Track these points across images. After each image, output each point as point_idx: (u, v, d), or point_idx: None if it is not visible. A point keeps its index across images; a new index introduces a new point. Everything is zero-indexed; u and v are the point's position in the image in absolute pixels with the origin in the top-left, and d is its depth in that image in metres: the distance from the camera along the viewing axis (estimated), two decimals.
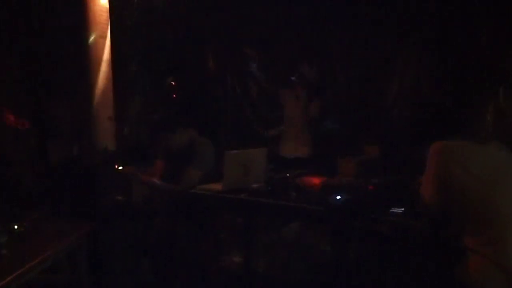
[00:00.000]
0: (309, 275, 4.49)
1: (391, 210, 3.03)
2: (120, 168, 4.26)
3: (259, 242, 4.83)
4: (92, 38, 4.72)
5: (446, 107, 3.48)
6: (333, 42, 6.28)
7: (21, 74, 6.03)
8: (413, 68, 5.72)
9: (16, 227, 3.13)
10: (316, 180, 3.90)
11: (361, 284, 3.51)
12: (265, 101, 6.81)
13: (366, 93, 6.00)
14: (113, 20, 4.88)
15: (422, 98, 5.51)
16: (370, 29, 5.83)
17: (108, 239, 3.95)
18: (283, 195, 3.65)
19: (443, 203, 2.53)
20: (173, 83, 6.10)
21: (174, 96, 5.96)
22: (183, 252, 4.33)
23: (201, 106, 6.55)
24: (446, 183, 2.49)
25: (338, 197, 3.20)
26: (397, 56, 5.86)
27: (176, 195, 4.30)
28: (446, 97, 4.95)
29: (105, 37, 4.77)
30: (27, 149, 5.83)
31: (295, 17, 6.25)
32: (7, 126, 4.96)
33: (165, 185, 4.39)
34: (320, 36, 6.33)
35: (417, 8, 5.47)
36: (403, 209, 2.99)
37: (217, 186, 3.97)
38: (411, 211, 2.94)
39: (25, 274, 2.65)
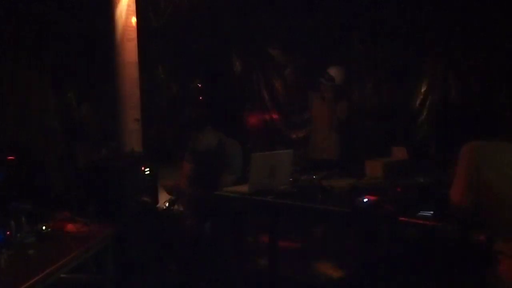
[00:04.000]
0: (335, 277, 4.45)
1: (419, 213, 2.96)
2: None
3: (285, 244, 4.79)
4: (119, 41, 4.75)
5: (477, 108, 3.42)
6: (361, 44, 6.24)
7: (51, 77, 6.12)
8: (442, 69, 5.64)
9: (43, 227, 3.16)
10: (343, 182, 3.86)
11: (387, 287, 3.46)
12: (292, 103, 6.79)
13: (394, 95, 5.94)
14: (140, 23, 4.91)
15: (451, 99, 5.43)
16: (399, 31, 5.79)
17: (134, 240, 3.96)
18: (310, 197, 3.61)
19: (474, 206, 2.46)
20: (200, 85, 6.12)
21: (200, 98, 5.99)
22: (209, 254, 4.32)
23: (228, 107, 6.56)
24: (478, 185, 2.41)
25: (366, 200, 3.15)
26: (426, 57, 5.79)
27: (202, 197, 4.31)
28: (477, 98, 4.88)
29: (133, 40, 4.80)
30: (56, 151, 5.91)
31: (323, 20, 6.24)
32: None
33: (198, 192, 4.42)
34: (348, 38, 6.30)
35: (448, 9, 5.40)
36: (432, 212, 2.91)
37: (243, 188, 3.96)
38: (440, 213, 2.86)
39: (52, 274, 2.67)
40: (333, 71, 5.91)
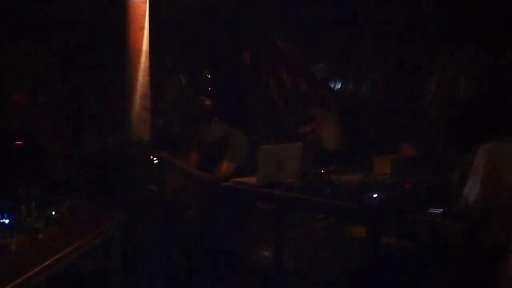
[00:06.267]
0: (340, 272, 4.46)
1: (429, 211, 2.96)
2: (156, 153, 4.29)
3: (291, 238, 4.81)
4: (130, 29, 4.74)
5: (488, 107, 3.41)
6: (370, 39, 6.24)
7: (58, 64, 6.12)
8: (453, 65, 5.63)
9: (53, 213, 3.18)
10: (350, 177, 3.87)
11: (393, 284, 3.47)
12: (299, 96, 6.78)
13: (403, 91, 5.94)
14: (151, 11, 4.89)
15: (462, 97, 5.42)
16: (409, 27, 5.78)
17: (142, 228, 3.98)
18: (317, 191, 3.61)
19: (488, 207, 2.45)
20: (209, 76, 6.11)
21: (209, 88, 5.98)
22: (214, 245, 4.34)
23: (235, 99, 6.56)
24: (494, 187, 2.41)
25: (375, 195, 3.15)
26: (437, 53, 5.78)
27: (209, 187, 4.30)
28: (489, 96, 4.87)
29: (144, 28, 4.78)
30: (63, 138, 5.92)
31: (332, 12, 6.23)
32: None
33: (198, 173, 4.41)
34: (356, 32, 6.30)
35: (460, 5, 5.38)
36: (441, 209, 2.90)
37: (250, 180, 3.97)
38: (449, 212, 2.85)
39: (62, 259, 2.68)
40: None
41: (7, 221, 2.93)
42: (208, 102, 4.59)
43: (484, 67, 5.22)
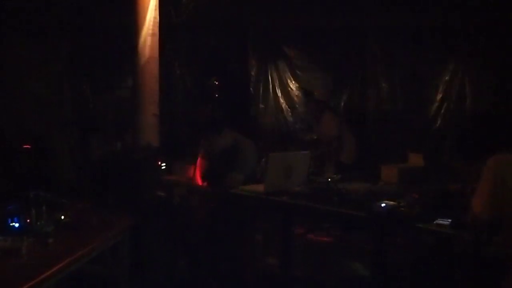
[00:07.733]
0: (346, 281, 4.46)
1: (436, 221, 2.95)
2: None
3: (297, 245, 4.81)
4: (141, 35, 4.75)
5: (496, 118, 3.41)
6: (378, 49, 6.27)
7: (68, 69, 6.16)
8: (459, 77, 5.65)
9: (62, 217, 3.19)
10: (358, 186, 3.87)
11: None
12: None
13: (411, 101, 5.96)
14: (162, 18, 4.91)
15: (469, 108, 5.43)
16: (416, 40, 5.80)
17: (150, 233, 3.99)
18: (325, 199, 3.61)
19: (496, 217, 2.46)
20: (216, 83, 6.15)
21: (216, 95, 6.01)
22: (220, 251, 4.34)
23: (244, 107, 6.59)
24: (503, 198, 2.41)
25: (383, 205, 3.15)
26: (443, 65, 5.80)
27: (217, 195, 4.33)
28: (496, 108, 4.87)
29: (154, 35, 4.79)
30: (71, 143, 5.95)
31: (341, 22, 6.26)
32: None
33: (208, 190, 4.44)
34: (363, 44, 6.33)
35: (468, 16, 5.40)
36: (449, 220, 2.90)
37: (258, 187, 3.97)
38: (458, 222, 2.85)
39: (72, 264, 2.69)
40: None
41: (17, 225, 2.94)
42: (218, 112, 4.61)
43: (492, 78, 5.24)
